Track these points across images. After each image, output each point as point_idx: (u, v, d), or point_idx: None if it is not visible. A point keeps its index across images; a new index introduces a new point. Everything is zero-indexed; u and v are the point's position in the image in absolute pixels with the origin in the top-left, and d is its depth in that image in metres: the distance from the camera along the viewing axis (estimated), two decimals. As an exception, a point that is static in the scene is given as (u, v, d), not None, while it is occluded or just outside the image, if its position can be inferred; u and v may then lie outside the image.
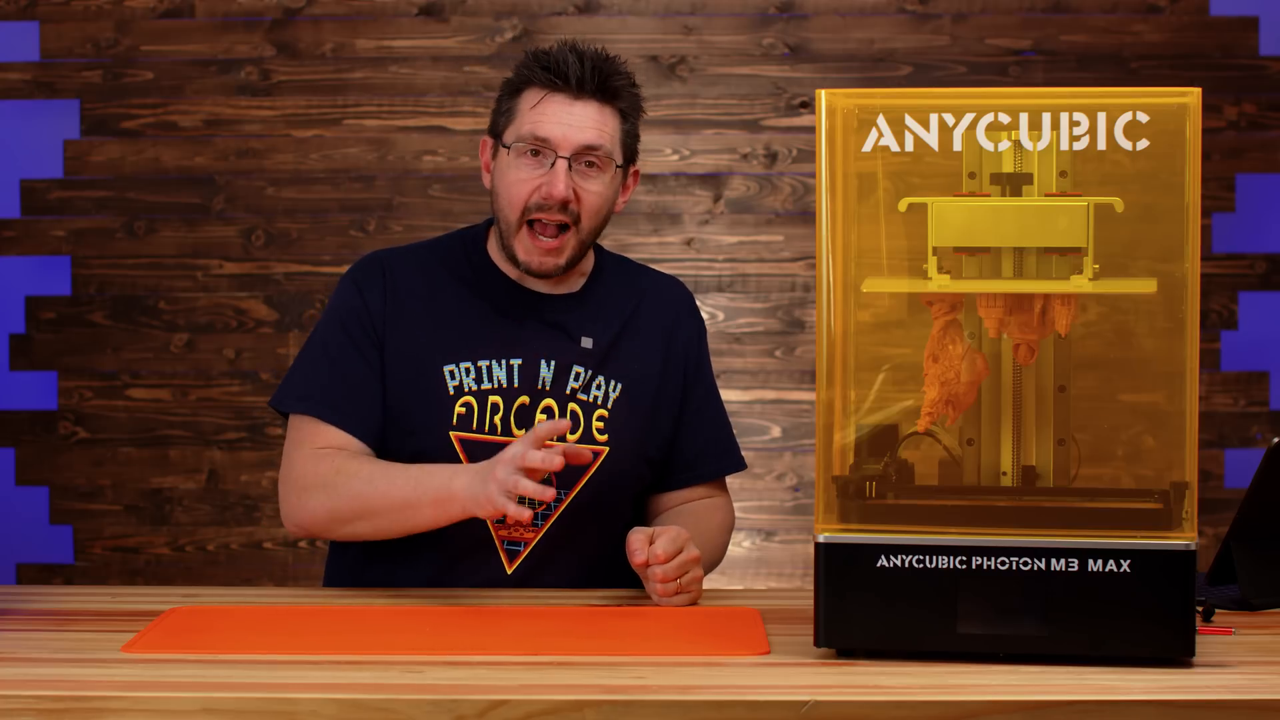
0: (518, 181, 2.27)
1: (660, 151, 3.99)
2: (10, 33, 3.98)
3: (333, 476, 2.22)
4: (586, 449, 2.14)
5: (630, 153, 2.34)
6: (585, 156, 2.26)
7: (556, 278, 2.34)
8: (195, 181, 3.99)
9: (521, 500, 2.16)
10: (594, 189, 2.28)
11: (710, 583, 2.26)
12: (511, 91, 2.31)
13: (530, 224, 2.28)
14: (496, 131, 2.32)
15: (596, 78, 2.26)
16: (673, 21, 3.99)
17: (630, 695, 1.62)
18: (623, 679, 1.69)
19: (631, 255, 3.72)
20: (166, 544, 4.01)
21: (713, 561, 2.37)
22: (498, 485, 2.05)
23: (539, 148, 2.26)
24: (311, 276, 3.96)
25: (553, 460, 2.03)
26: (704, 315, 3.76)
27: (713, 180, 3.99)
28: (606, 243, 3.97)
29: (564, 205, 2.26)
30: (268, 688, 1.65)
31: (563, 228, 2.28)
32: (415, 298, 2.33)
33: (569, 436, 2.29)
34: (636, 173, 2.38)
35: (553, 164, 2.25)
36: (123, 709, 1.61)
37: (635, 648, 1.84)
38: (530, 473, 2.04)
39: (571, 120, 2.26)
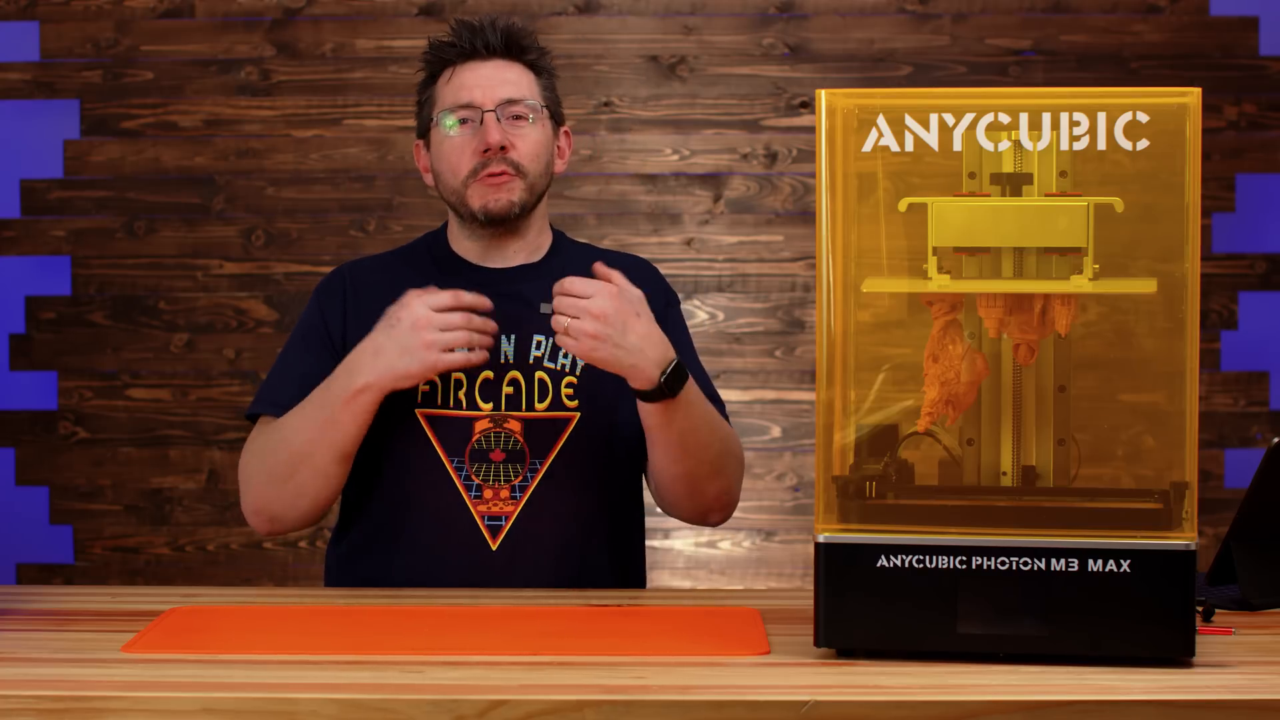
0: (453, 149, 2.34)
1: (660, 151, 3.99)
2: (10, 33, 3.98)
3: (261, 445, 2.30)
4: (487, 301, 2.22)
5: (557, 112, 2.41)
6: (510, 110, 2.33)
7: (513, 233, 2.38)
8: (195, 181, 3.99)
9: (498, 479, 2.22)
10: (527, 134, 2.34)
11: (710, 582, 2.25)
12: (427, 83, 2.40)
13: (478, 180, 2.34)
14: (425, 130, 2.41)
15: (500, 37, 2.35)
16: (673, 21, 3.99)
17: (630, 695, 1.62)
18: (623, 679, 1.69)
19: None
20: (166, 544, 4.01)
21: (708, 442, 2.28)
22: (423, 347, 2.17)
23: (465, 115, 2.33)
24: (311, 276, 3.96)
25: (469, 299, 2.19)
26: (704, 315, 3.73)
27: (713, 180, 3.99)
28: (606, 244, 3.98)
29: (503, 154, 2.31)
30: (268, 688, 1.65)
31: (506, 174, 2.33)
32: (379, 297, 2.36)
33: (538, 405, 2.31)
34: (568, 133, 2.44)
35: (481, 121, 2.32)
36: (123, 709, 1.61)
37: (635, 648, 1.84)
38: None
39: (486, 80, 2.33)
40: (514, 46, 2.36)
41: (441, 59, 2.37)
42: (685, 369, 2.21)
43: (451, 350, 2.18)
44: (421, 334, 2.16)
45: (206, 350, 4.00)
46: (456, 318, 2.19)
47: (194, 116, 3.99)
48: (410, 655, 1.79)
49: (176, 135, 3.99)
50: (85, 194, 3.99)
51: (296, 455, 2.24)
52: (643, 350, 2.15)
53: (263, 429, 2.34)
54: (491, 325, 2.22)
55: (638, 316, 2.15)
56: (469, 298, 2.21)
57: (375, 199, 3.98)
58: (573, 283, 2.14)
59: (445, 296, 2.19)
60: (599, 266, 2.19)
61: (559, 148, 2.42)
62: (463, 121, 2.33)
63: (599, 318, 2.12)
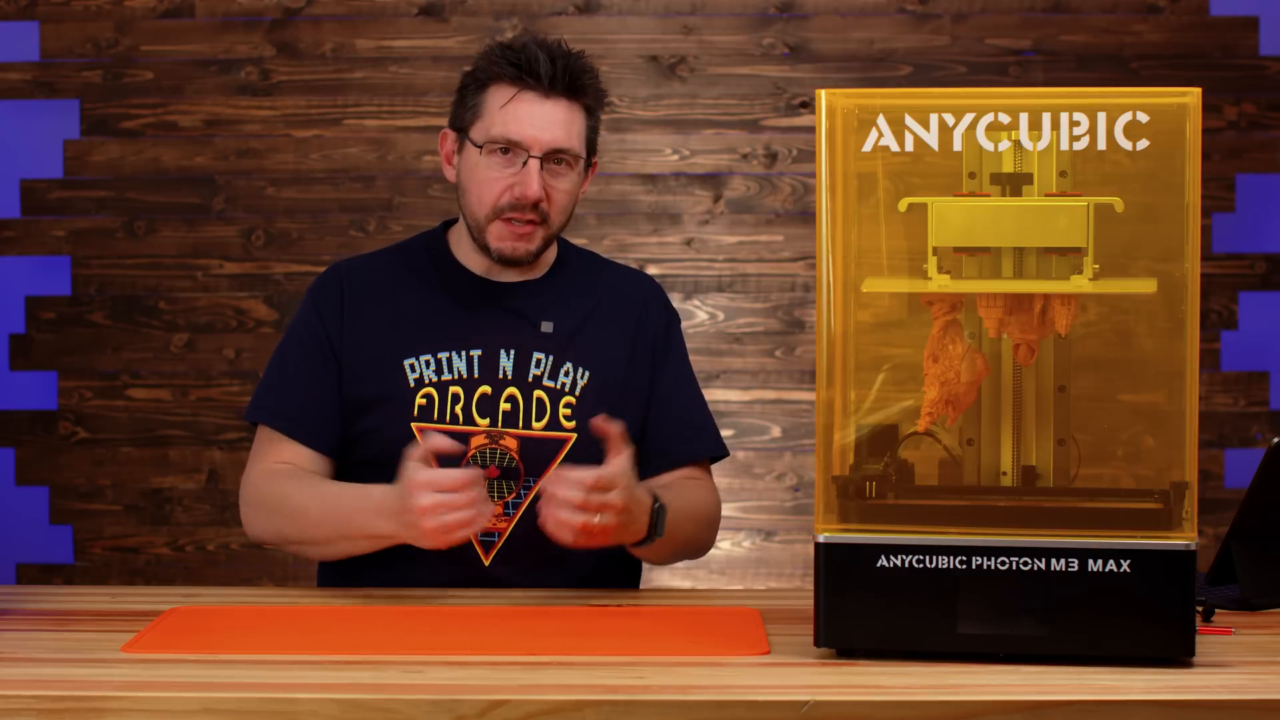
0: (488, 181, 2.29)
1: (660, 151, 3.99)
2: (10, 33, 3.98)
3: (277, 500, 2.28)
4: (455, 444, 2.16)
5: (592, 146, 2.36)
6: (555, 156, 2.28)
7: (521, 267, 2.36)
8: (195, 181, 3.99)
9: (491, 495, 2.22)
10: (563, 187, 2.31)
11: (710, 582, 2.25)
12: (478, 86, 2.32)
13: (502, 219, 2.31)
14: (461, 125, 2.34)
15: (566, 76, 2.28)
16: (673, 21, 3.99)
17: (630, 695, 1.62)
18: (623, 679, 1.69)
19: (631, 255, 3.70)
20: (166, 544, 4.01)
21: (691, 536, 2.34)
22: (432, 534, 2.09)
23: (510, 148, 2.28)
24: (311, 277, 3.94)
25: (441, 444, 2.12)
26: (704, 315, 3.73)
27: (713, 180, 3.99)
28: (606, 244, 3.98)
29: (535, 205, 2.28)
30: (268, 688, 1.65)
31: (533, 222, 2.31)
32: (375, 300, 2.36)
33: (535, 425, 2.31)
34: (595, 164, 2.40)
35: (524, 164, 2.27)
36: (123, 709, 1.61)
37: (635, 648, 1.84)
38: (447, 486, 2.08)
39: (542, 121, 2.27)
40: (576, 88, 2.30)
41: (499, 74, 2.29)
42: (665, 508, 2.20)
43: (460, 526, 2.10)
44: (426, 522, 2.08)
45: (206, 350, 4.00)
46: (459, 498, 2.07)
47: (194, 116, 3.99)
48: (410, 655, 1.79)
49: (176, 135, 3.99)
50: (85, 194, 3.99)
51: (308, 538, 2.28)
52: (636, 516, 2.16)
53: (265, 449, 2.33)
54: (490, 505, 2.13)
55: (635, 485, 2.14)
56: (469, 476, 2.09)
57: (375, 199, 3.98)
58: (591, 477, 2.07)
59: (451, 478, 2.08)
60: (602, 423, 2.12)
61: (584, 176, 2.37)
62: (504, 151, 2.28)
63: (622, 511, 2.11)
